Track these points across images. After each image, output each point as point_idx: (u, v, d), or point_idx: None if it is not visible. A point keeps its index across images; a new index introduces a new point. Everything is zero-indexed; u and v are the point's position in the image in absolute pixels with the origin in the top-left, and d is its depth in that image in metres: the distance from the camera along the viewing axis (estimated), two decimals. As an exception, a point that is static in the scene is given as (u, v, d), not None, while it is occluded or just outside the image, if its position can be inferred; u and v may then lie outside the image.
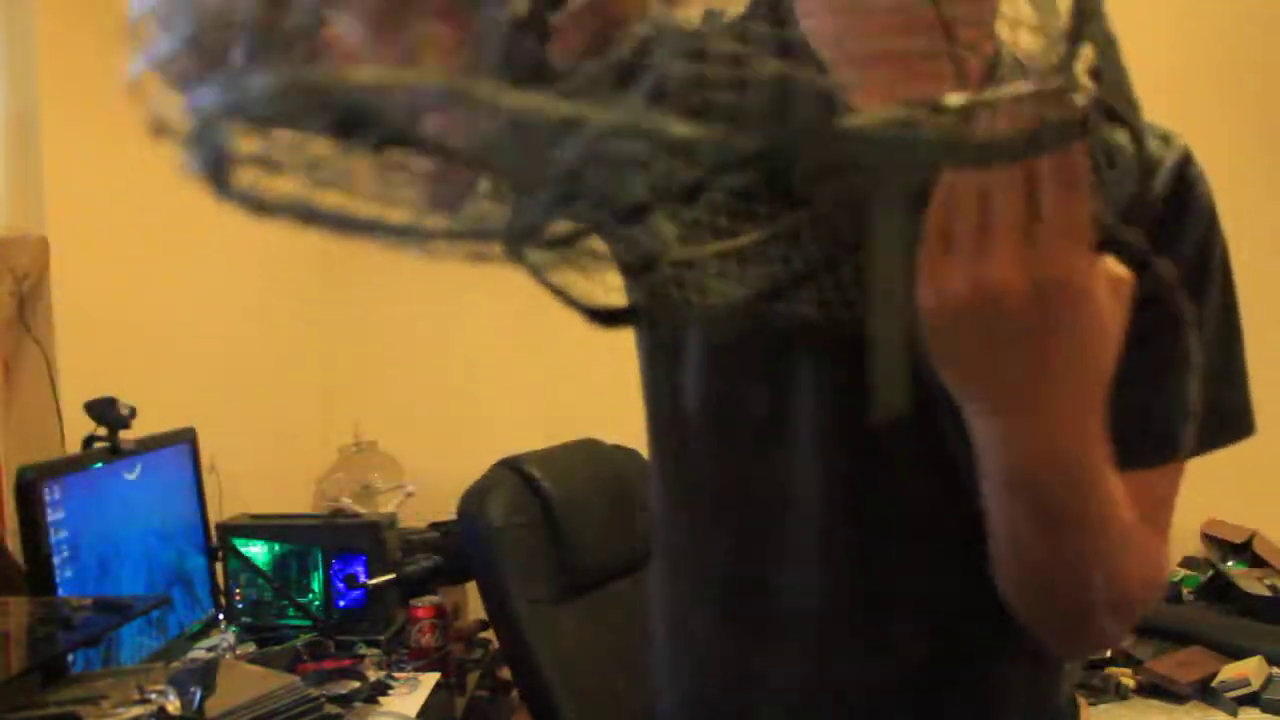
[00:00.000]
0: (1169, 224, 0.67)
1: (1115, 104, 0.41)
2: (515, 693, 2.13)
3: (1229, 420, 0.72)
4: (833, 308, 0.46)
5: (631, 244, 0.40)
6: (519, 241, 0.32)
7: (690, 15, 0.43)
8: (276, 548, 1.92)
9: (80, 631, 1.27)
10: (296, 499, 2.72)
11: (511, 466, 1.72)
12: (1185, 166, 0.69)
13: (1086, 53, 0.39)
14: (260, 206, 0.30)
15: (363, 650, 1.81)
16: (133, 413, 1.65)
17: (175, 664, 1.50)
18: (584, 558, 1.68)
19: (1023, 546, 0.61)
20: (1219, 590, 3.01)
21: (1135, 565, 0.64)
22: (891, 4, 0.57)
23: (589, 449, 1.89)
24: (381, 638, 1.85)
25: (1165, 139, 0.69)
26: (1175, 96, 3.61)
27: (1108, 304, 0.49)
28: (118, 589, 1.58)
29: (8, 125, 1.68)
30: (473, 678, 1.95)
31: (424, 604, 1.80)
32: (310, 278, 3.02)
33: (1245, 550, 3.20)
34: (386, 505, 2.65)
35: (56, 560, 1.43)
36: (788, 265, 0.45)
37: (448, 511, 2.35)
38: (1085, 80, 0.36)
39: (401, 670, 1.77)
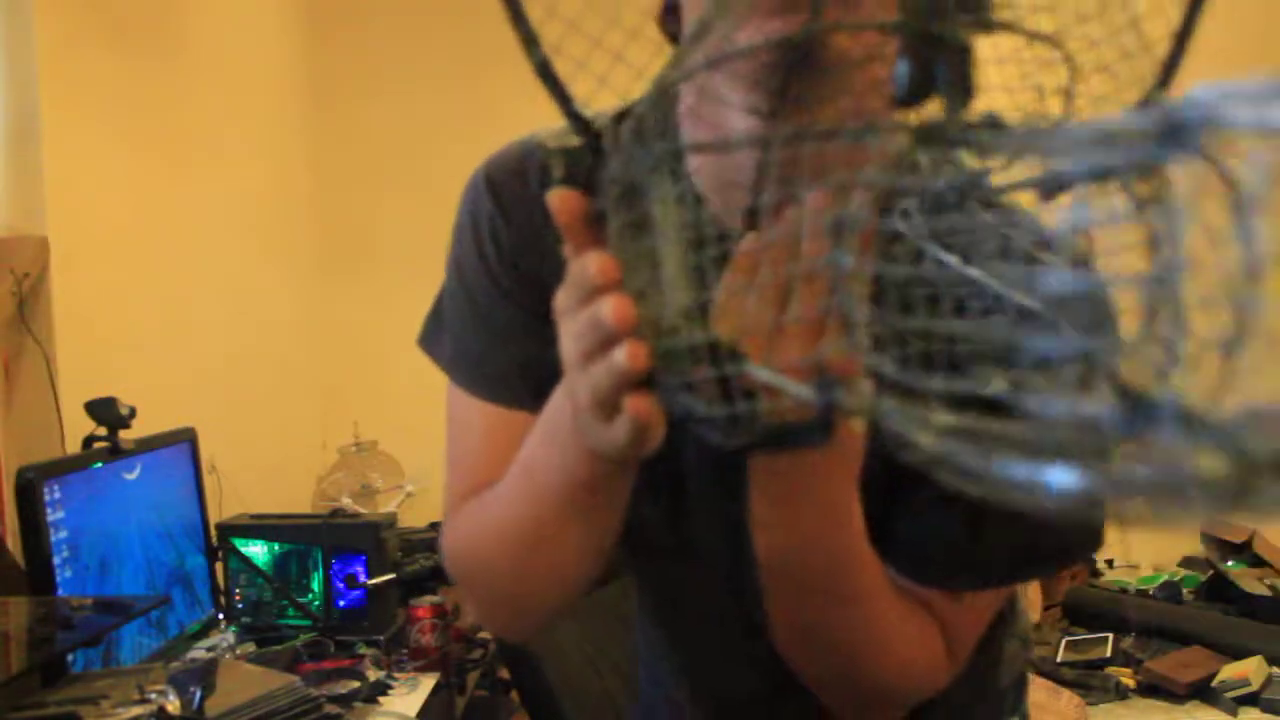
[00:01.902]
0: None
1: None
2: (515, 693, 2.12)
3: (1054, 549, 0.74)
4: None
5: None
6: None
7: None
8: (276, 548, 1.92)
9: (80, 631, 1.27)
10: (296, 499, 2.72)
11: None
12: None
13: None
14: None
15: (363, 650, 1.81)
16: (133, 413, 1.65)
17: (175, 664, 1.50)
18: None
19: (777, 619, 0.70)
20: (1219, 590, 3.01)
21: (893, 652, 0.70)
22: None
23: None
24: (381, 638, 1.85)
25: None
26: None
27: None
28: (118, 589, 1.58)
29: (8, 125, 1.68)
30: (473, 678, 1.95)
31: (424, 604, 1.80)
32: (310, 278, 3.03)
33: (1245, 550, 3.20)
34: (386, 505, 2.65)
35: (56, 560, 1.43)
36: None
37: (448, 511, 2.35)
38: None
39: (401, 670, 1.77)
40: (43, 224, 1.68)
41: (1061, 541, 0.72)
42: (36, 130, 1.69)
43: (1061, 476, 0.29)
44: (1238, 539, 3.22)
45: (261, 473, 2.37)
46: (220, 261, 2.38)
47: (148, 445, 1.70)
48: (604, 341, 0.49)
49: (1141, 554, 3.35)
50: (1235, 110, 0.26)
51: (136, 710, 1.23)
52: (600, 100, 0.51)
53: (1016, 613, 0.89)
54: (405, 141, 3.09)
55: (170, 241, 2.15)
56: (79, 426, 1.63)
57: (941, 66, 0.40)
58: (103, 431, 1.63)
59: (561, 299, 0.52)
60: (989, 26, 0.42)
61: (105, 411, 1.63)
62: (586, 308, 0.50)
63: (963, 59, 0.41)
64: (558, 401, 0.61)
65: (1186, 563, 3.30)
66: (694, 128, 0.66)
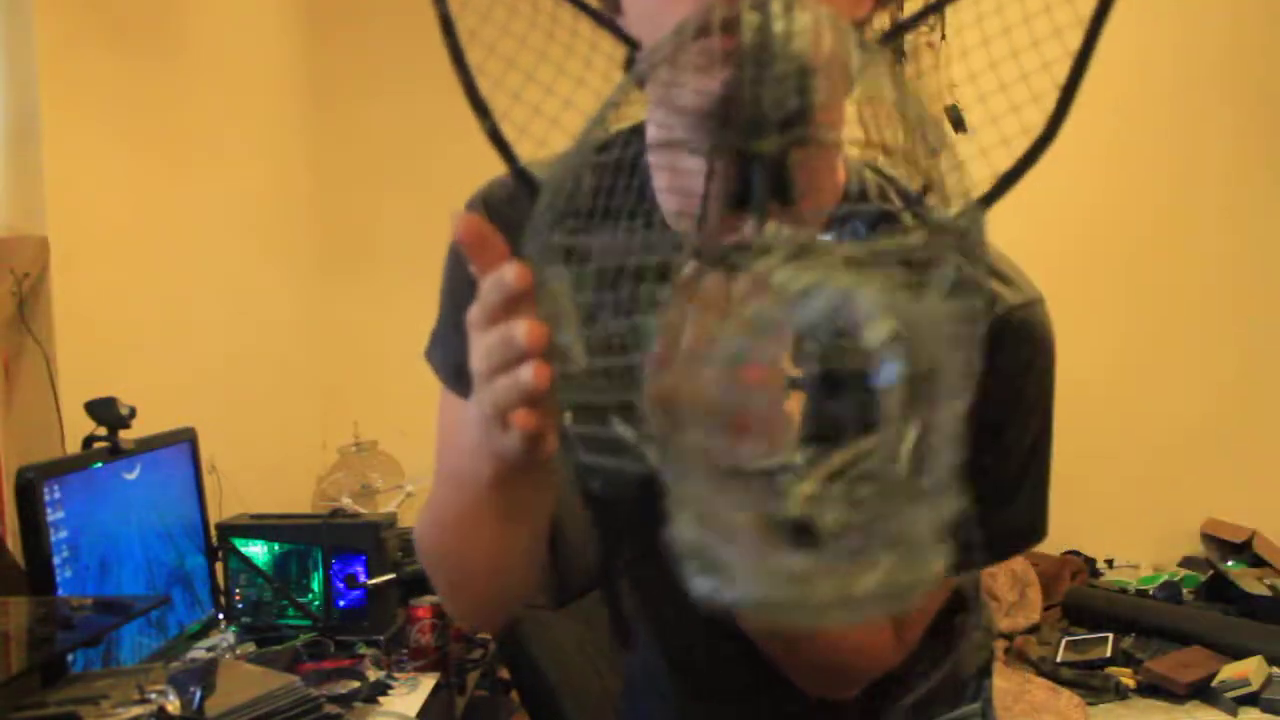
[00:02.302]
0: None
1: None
2: (515, 693, 2.12)
3: (994, 542, 0.78)
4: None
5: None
6: None
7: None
8: (276, 548, 1.92)
9: (80, 631, 1.27)
10: (296, 499, 2.72)
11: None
12: (1009, 317, 0.75)
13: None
14: None
15: (363, 650, 1.81)
16: (133, 413, 1.65)
17: (175, 664, 1.50)
18: (579, 560, 1.68)
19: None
20: (1219, 590, 3.01)
21: (847, 635, 0.75)
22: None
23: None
24: (381, 638, 1.85)
25: (1014, 289, 0.76)
26: (1180, 94, 3.59)
27: None
28: (118, 589, 1.58)
29: (8, 125, 1.68)
30: (473, 678, 1.95)
31: (424, 604, 1.80)
32: (310, 278, 3.03)
33: (1245, 550, 3.20)
34: (386, 505, 2.65)
35: (56, 560, 1.43)
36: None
37: (448, 511, 2.35)
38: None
39: (401, 670, 1.77)
40: (43, 224, 1.68)
41: (1002, 532, 0.77)
42: (36, 130, 1.69)
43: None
44: (1238, 539, 3.22)
45: (261, 473, 2.37)
46: (220, 261, 2.38)
47: (148, 445, 1.70)
48: (514, 359, 0.53)
49: (1141, 554, 3.35)
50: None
51: (136, 710, 1.23)
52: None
53: (980, 604, 0.94)
54: (405, 141, 3.09)
55: (170, 241, 2.15)
56: (79, 426, 1.63)
57: (757, 178, 0.44)
58: (103, 431, 1.63)
59: (473, 313, 0.56)
60: (804, 143, 0.47)
61: (105, 411, 1.63)
62: (499, 325, 0.53)
63: (780, 173, 0.46)
64: (474, 405, 0.66)
65: (1186, 563, 3.30)
66: (655, 168, 0.73)
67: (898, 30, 0.59)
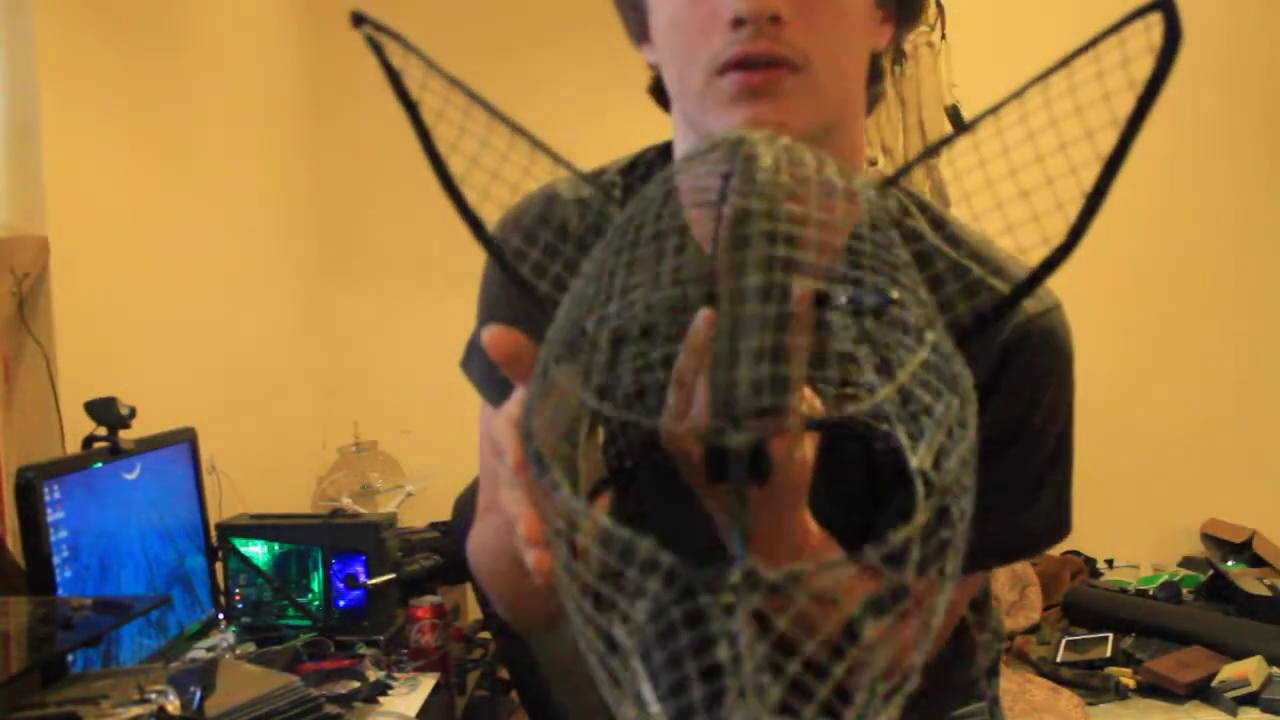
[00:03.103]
0: (1001, 373, 0.75)
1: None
2: (514, 693, 2.13)
3: (1021, 539, 0.81)
4: None
5: None
6: None
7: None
8: (276, 548, 1.92)
9: (80, 631, 1.27)
10: (296, 499, 2.72)
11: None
12: (1030, 325, 0.76)
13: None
14: None
15: (363, 650, 1.81)
16: (133, 413, 1.65)
17: (175, 664, 1.50)
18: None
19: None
20: (1219, 590, 3.02)
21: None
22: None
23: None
24: (381, 638, 1.86)
25: (1034, 298, 0.75)
26: (1180, 98, 3.60)
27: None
28: (118, 589, 1.58)
29: (8, 125, 1.68)
30: (472, 677, 1.95)
31: (424, 604, 1.81)
32: (310, 278, 3.03)
33: (1245, 550, 3.20)
34: (386, 505, 2.65)
35: (56, 560, 1.43)
36: None
37: (448, 511, 2.35)
38: None
39: (401, 670, 1.77)
40: (43, 224, 1.68)
41: (1026, 532, 0.79)
42: (36, 130, 1.69)
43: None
44: (1238, 539, 3.22)
45: (261, 473, 2.37)
46: (220, 261, 2.38)
47: (148, 445, 1.70)
48: (520, 540, 0.54)
49: (1141, 554, 3.35)
50: None
51: (136, 710, 1.23)
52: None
53: (989, 608, 0.97)
54: (405, 142, 3.08)
55: (170, 241, 2.15)
56: (79, 426, 1.63)
57: (736, 465, 0.42)
58: (103, 431, 1.63)
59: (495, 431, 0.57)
60: (779, 430, 0.45)
61: (105, 411, 1.62)
62: (505, 499, 0.55)
63: (758, 456, 0.44)
64: None
65: (1186, 563, 3.30)
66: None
67: (900, 174, 0.58)
